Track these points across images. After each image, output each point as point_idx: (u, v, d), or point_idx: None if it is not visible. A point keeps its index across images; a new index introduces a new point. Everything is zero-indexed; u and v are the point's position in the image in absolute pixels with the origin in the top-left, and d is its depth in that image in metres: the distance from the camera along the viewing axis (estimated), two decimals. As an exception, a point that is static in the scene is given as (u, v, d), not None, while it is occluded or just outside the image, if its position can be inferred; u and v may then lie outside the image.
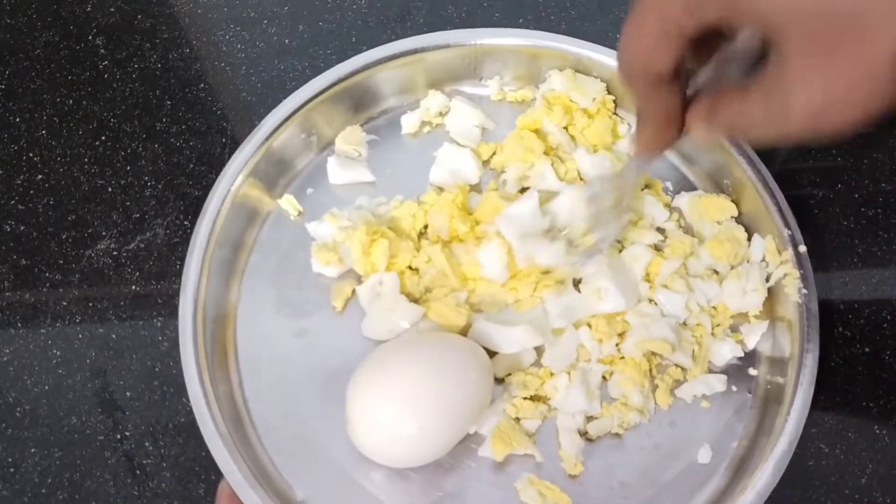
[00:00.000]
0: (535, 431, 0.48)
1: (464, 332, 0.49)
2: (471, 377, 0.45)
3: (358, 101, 0.56)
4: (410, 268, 0.51)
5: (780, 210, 0.50)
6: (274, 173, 0.54)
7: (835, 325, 0.52)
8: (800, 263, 0.49)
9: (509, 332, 0.48)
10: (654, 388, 0.49)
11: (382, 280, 0.50)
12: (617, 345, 0.49)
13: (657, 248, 0.52)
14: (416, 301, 0.50)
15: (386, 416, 0.43)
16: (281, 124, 0.53)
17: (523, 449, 0.46)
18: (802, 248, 0.49)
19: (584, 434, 0.48)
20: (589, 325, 0.49)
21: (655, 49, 0.33)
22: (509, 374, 0.49)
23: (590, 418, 0.48)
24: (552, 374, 0.48)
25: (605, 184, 0.49)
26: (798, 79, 0.30)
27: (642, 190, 0.54)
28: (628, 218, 0.51)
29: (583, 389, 0.47)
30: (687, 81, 0.37)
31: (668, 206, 0.54)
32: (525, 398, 0.48)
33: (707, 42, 0.35)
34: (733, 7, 0.30)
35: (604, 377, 0.49)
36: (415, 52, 0.55)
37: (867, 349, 0.52)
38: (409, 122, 0.56)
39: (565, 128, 0.55)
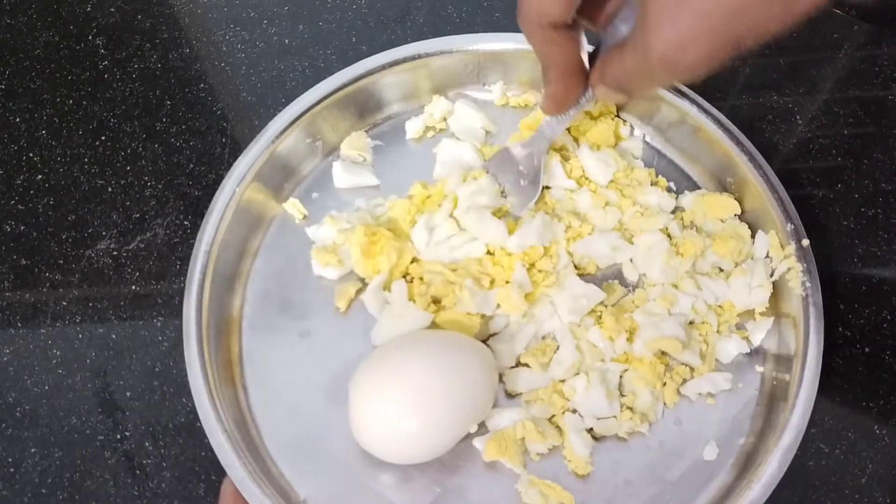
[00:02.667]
0: (536, 455, 0.47)
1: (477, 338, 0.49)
2: (475, 376, 0.45)
3: (362, 107, 0.56)
4: (417, 277, 0.51)
5: (783, 205, 0.50)
6: (279, 177, 0.54)
7: (835, 325, 0.52)
8: (803, 257, 0.49)
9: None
10: (663, 385, 0.48)
11: (392, 288, 0.50)
12: (627, 339, 0.49)
13: (669, 236, 0.52)
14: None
15: (389, 412, 0.43)
16: (285, 129, 0.53)
17: (512, 465, 0.46)
18: (805, 242, 0.49)
19: (589, 431, 0.47)
20: (599, 324, 0.49)
21: None
22: (528, 393, 0.48)
23: (598, 417, 0.48)
24: (567, 399, 0.48)
25: (510, 153, 0.52)
26: (654, 25, 0.33)
27: (652, 185, 0.54)
28: (539, 188, 0.52)
29: (602, 390, 0.47)
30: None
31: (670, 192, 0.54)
32: (539, 429, 0.47)
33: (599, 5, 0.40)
34: None
35: (621, 376, 0.49)
36: (418, 57, 0.55)
37: (867, 349, 0.52)
38: (413, 128, 0.56)
39: (568, 130, 0.55)
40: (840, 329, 0.52)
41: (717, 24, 0.32)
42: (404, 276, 0.51)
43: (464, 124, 0.56)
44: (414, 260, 0.51)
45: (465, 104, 0.56)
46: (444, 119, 0.57)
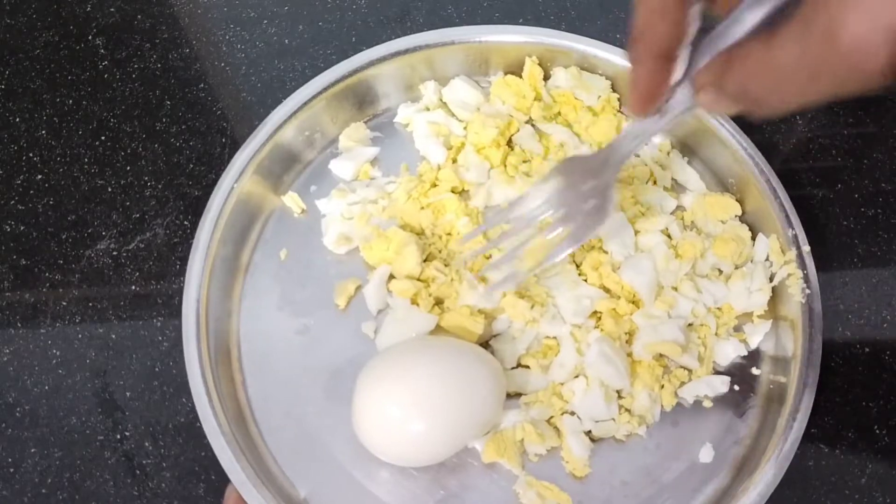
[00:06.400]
0: (535, 456, 0.47)
1: (480, 341, 0.49)
2: (482, 385, 0.44)
3: (362, 99, 0.56)
4: (421, 280, 0.51)
5: (785, 210, 0.50)
6: (278, 170, 0.54)
7: (835, 326, 0.52)
8: (804, 263, 0.49)
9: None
10: (661, 388, 0.48)
11: (392, 290, 0.50)
12: (627, 342, 0.49)
13: (669, 236, 0.52)
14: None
15: (395, 413, 0.43)
16: (285, 121, 0.53)
17: (511, 466, 0.46)
18: (806, 248, 0.49)
19: (587, 433, 0.47)
20: (599, 327, 0.49)
21: None
22: (525, 395, 0.48)
23: (596, 420, 0.47)
24: (566, 402, 0.48)
25: (578, 164, 0.45)
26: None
27: (647, 182, 0.54)
28: (608, 215, 0.44)
29: (601, 393, 0.47)
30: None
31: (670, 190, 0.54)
32: (538, 431, 0.47)
33: None
34: None
35: None
36: (419, 49, 0.55)
37: (867, 349, 0.52)
38: (404, 113, 0.56)
39: (569, 126, 0.55)
40: (840, 329, 0.52)
41: None
42: (418, 278, 0.51)
43: (459, 96, 0.56)
44: (427, 258, 0.51)
45: (463, 80, 0.56)
46: (439, 99, 0.57)
